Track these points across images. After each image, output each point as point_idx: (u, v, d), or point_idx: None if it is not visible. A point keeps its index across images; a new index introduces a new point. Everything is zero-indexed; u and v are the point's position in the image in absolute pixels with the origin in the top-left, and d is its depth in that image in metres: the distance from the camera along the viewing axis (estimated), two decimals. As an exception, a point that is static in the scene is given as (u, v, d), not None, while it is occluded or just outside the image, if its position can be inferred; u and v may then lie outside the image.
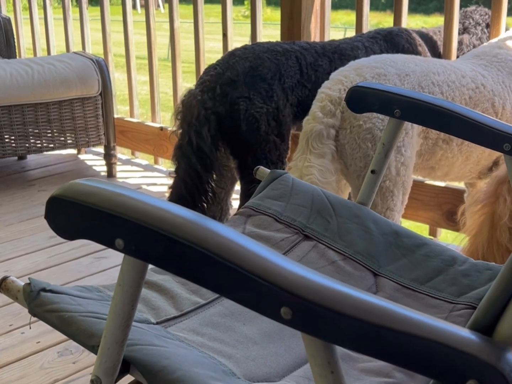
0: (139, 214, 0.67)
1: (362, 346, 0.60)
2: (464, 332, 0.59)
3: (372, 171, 1.29)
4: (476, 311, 0.64)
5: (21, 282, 0.93)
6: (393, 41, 2.32)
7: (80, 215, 0.70)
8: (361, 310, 0.59)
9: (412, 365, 0.59)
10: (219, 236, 0.66)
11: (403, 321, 0.59)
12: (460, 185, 2.38)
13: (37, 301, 0.89)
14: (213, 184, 2.14)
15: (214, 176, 2.15)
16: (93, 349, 0.84)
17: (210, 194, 2.14)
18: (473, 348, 0.58)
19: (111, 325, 0.76)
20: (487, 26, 2.50)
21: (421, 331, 0.58)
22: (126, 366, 0.82)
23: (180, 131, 2.12)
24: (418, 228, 3.42)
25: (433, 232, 2.62)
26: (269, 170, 1.36)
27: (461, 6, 2.41)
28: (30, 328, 1.89)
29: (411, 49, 2.32)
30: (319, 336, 0.62)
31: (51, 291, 0.91)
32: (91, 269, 2.32)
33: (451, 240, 2.35)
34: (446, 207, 2.37)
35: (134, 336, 0.85)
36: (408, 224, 3.27)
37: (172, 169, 2.21)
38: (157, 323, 0.97)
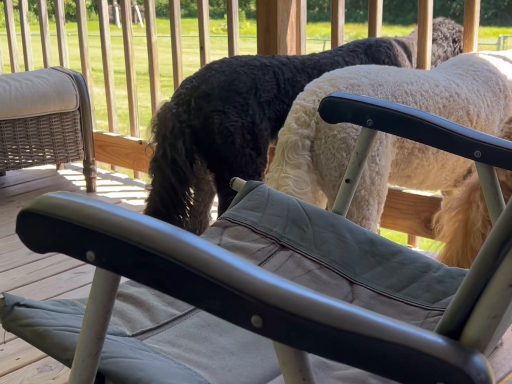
0: (109, 226, 0.67)
1: (331, 352, 0.61)
2: (431, 336, 0.60)
3: (347, 180, 1.30)
4: (443, 315, 0.65)
5: (-5, 298, 0.93)
6: (374, 56, 2.33)
7: (50, 228, 0.71)
8: (329, 316, 0.59)
9: (380, 369, 0.59)
10: (188, 245, 0.66)
11: (370, 326, 0.59)
12: (438, 193, 2.40)
13: (11, 315, 0.89)
14: (189, 197, 2.13)
15: (191, 189, 2.14)
16: (68, 362, 0.84)
17: (186, 207, 2.13)
18: (440, 351, 0.59)
19: (85, 338, 0.76)
20: (454, 41, 2.53)
21: (388, 335, 0.59)
22: (100, 379, 0.82)
23: (155, 144, 2.12)
24: (400, 237, 3.43)
25: (412, 241, 2.64)
26: (245, 181, 1.37)
27: (434, 16, 2.45)
28: (4, 343, 1.88)
29: (391, 63, 2.34)
30: (289, 344, 0.62)
31: (25, 305, 0.91)
32: (71, 284, 2.31)
33: (430, 247, 2.37)
34: (424, 216, 2.38)
35: (108, 349, 0.85)
36: (390, 234, 3.29)
37: (149, 182, 2.21)
38: (133, 336, 0.97)
